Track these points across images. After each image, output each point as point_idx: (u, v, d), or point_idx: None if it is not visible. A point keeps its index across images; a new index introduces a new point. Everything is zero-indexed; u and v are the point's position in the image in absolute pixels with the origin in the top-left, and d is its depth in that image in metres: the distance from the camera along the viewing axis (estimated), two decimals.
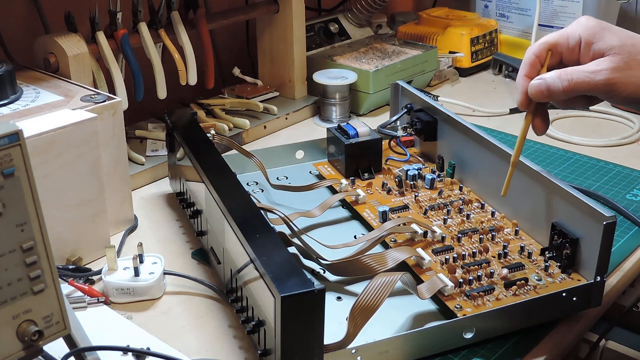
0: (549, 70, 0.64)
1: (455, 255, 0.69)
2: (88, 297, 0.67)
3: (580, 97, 0.65)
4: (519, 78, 0.65)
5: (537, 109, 0.66)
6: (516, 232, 0.74)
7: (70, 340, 0.51)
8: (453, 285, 0.64)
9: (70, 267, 0.71)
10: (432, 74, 1.23)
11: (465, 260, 0.69)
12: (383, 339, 0.58)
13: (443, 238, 0.73)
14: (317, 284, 0.52)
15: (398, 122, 0.91)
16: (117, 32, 0.91)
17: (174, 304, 0.68)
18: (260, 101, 1.09)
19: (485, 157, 0.78)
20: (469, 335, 0.61)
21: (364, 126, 0.87)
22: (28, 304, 0.47)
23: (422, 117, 0.88)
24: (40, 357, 0.50)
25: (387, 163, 0.89)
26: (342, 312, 0.64)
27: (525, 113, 0.66)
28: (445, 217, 0.76)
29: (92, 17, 0.89)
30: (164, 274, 0.69)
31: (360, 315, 0.57)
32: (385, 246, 0.73)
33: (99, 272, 0.69)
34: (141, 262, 0.69)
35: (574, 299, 0.64)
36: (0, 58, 0.87)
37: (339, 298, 0.67)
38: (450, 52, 1.30)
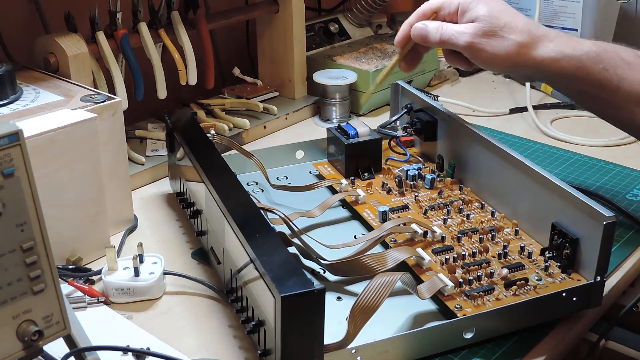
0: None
1: (455, 255, 0.69)
2: (88, 297, 0.67)
3: (461, 56, 0.74)
4: (406, 22, 0.76)
5: (410, 51, 0.77)
6: (516, 232, 0.74)
7: (70, 340, 0.51)
8: (453, 285, 0.64)
9: (70, 267, 0.71)
10: (432, 74, 1.23)
11: (465, 260, 0.69)
12: (383, 339, 0.58)
13: (443, 238, 0.73)
14: (317, 284, 0.52)
15: (398, 122, 0.91)
16: (117, 32, 0.91)
17: (174, 304, 0.68)
18: (260, 101, 1.09)
19: (485, 157, 0.78)
20: (469, 335, 0.61)
21: (364, 126, 0.87)
22: (28, 304, 0.47)
23: (422, 117, 0.88)
24: (40, 357, 0.50)
25: (387, 163, 0.89)
26: (342, 312, 0.64)
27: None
28: (445, 217, 0.76)
29: (92, 17, 0.89)
30: (164, 274, 0.69)
31: (360, 315, 0.57)
32: (385, 246, 0.73)
33: (99, 272, 0.69)
34: (141, 262, 0.69)
35: (574, 299, 0.64)
36: (0, 58, 0.87)
37: (339, 298, 0.67)
38: None
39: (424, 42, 0.74)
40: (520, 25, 0.69)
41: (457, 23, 0.73)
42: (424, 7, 0.76)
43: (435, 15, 0.75)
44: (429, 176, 0.83)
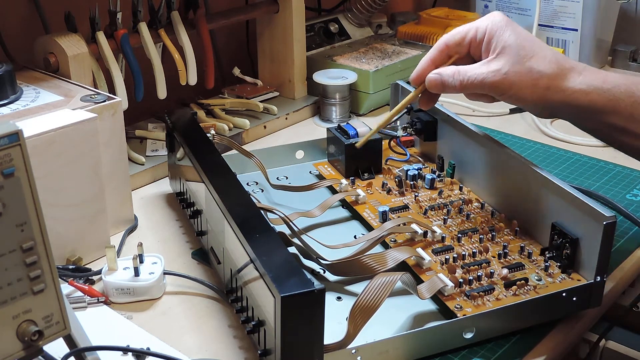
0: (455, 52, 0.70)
1: (455, 255, 0.69)
2: (88, 297, 0.67)
3: (482, 94, 0.70)
4: (424, 58, 0.71)
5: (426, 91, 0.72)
6: (516, 232, 0.73)
7: (70, 340, 0.51)
8: (453, 285, 0.64)
9: (70, 267, 0.71)
10: None
11: (465, 260, 0.69)
12: (383, 339, 0.58)
13: (443, 238, 0.73)
14: (317, 284, 0.52)
15: (398, 122, 0.91)
16: (117, 32, 0.91)
17: (174, 304, 0.68)
18: (260, 101, 1.09)
19: (485, 157, 0.78)
20: (469, 335, 0.61)
21: (364, 126, 0.87)
22: (28, 304, 0.47)
23: (422, 117, 0.88)
24: (40, 357, 0.50)
25: (387, 163, 0.89)
26: (342, 312, 0.64)
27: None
28: (445, 217, 0.76)
29: (92, 17, 0.89)
30: (164, 274, 0.69)
31: (360, 315, 0.57)
32: (385, 246, 0.73)
33: (99, 272, 0.69)
34: (141, 262, 0.69)
35: (574, 299, 0.64)
36: (0, 58, 0.87)
37: (339, 298, 0.67)
38: None
39: (442, 92, 0.70)
40: (549, 57, 0.65)
41: (480, 53, 0.68)
42: (447, 38, 0.70)
43: (452, 59, 0.70)
44: (429, 176, 0.83)
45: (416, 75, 0.71)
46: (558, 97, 0.64)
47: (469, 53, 0.69)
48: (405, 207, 0.79)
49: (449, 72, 0.68)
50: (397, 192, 0.82)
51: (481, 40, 0.67)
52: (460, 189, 0.83)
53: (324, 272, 0.70)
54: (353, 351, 0.57)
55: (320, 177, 0.89)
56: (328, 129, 0.91)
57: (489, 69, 0.65)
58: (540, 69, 0.64)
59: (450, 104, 1.14)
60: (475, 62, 0.68)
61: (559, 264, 0.67)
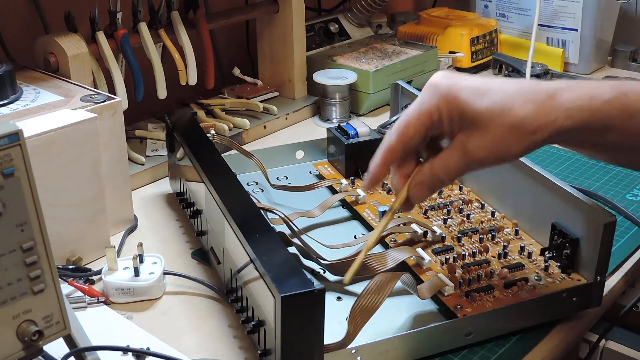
0: (410, 151, 0.58)
1: (455, 255, 0.69)
2: (88, 297, 0.67)
3: None
4: (376, 166, 0.58)
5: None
6: (516, 232, 0.73)
7: (70, 340, 0.51)
8: (453, 285, 0.64)
9: (70, 267, 0.71)
10: (432, 74, 1.23)
11: (465, 260, 0.69)
12: (383, 339, 0.58)
13: (443, 238, 0.73)
14: (317, 284, 0.52)
15: None
16: (117, 32, 0.91)
17: (174, 304, 0.68)
18: (260, 101, 1.09)
19: None
20: (469, 336, 0.61)
21: (364, 126, 0.87)
22: (28, 304, 0.47)
23: None
24: (40, 357, 0.50)
25: None
26: (342, 312, 0.64)
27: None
28: (445, 217, 0.76)
29: (92, 17, 0.89)
30: (164, 274, 0.69)
31: (360, 315, 0.57)
32: (385, 246, 0.73)
33: (99, 272, 0.69)
34: (141, 262, 0.69)
35: (574, 299, 0.64)
36: (0, 58, 0.87)
37: (339, 298, 0.67)
38: (450, 52, 1.30)
39: (430, 195, 0.60)
40: (518, 96, 0.55)
41: (440, 133, 0.57)
42: (396, 145, 0.57)
43: (410, 151, 0.58)
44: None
45: (371, 183, 0.60)
46: (547, 133, 0.55)
47: (432, 137, 0.59)
48: None
49: (427, 176, 0.57)
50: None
51: (439, 123, 0.56)
52: (460, 189, 0.83)
53: (324, 272, 0.70)
54: (353, 351, 0.57)
55: (320, 177, 0.89)
56: (328, 129, 0.91)
57: (465, 150, 0.55)
58: (519, 116, 0.54)
59: None
60: (437, 140, 0.59)
61: (559, 264, 0.67)
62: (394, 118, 0.91)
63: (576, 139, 0.58)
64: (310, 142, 0.94)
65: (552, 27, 1.32)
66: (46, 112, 0.73)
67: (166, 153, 0.89)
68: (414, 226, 0.73)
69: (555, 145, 1.00)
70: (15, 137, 0.44)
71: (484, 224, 0.75)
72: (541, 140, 0.55)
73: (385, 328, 0.62)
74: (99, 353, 0.53)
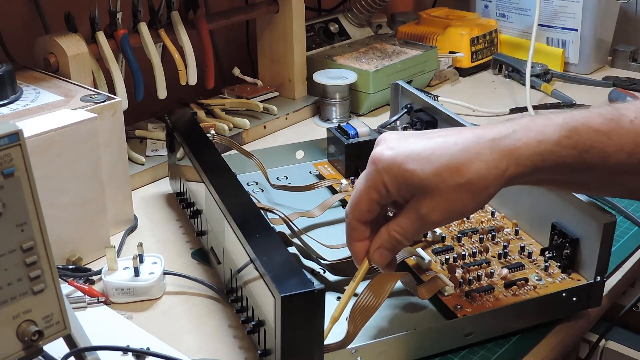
0: (372, 222, 0.59)
1: (455, 255, 0.69)
2: (88, 297, 0.67)
3: None
4: (353, 247, 0.60)
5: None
6: (516, 232, 0.74)
7: (70, 340, 0.51)
8: (453, 285, 0.64)
9: (70, 267, 0.71)
10: (432, 74, 1.24)
11: (465, 260, 0.69)
12: (383, 339, 0.58)
13: (443, 238, 0.73)
14: (317, 284, 0.52)
15: (398, 122, 0.91)
16: (117, 32, 0.91)
17: (174, 304, 0.68)
18: (260, 101, 1.09)
19: None
20: (469, 335, 0.61)
21: (364, 126, 0.87)
22: (28, 304, 0.47)
23: (422, 117, 0.88)
24: (40, 357, 0.50)
25: None
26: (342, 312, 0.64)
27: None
28: None
29: (92, 17, 0.89)
30: (164, 274, 0.69)
31: (360, 315, 0.57)
32: None
33: (99, 272, 0.69)
34: (141, 262, 0.69)
35: (574, 299, 0.64)
36: (0, 58, 0.87)
37: (339, 298, 0.67)
38: (450, 52, 1.30)
39: (393, 256, 0.60)
40: (463, 155, 0.54)
41: (400, 203, 0.58)
42: (355, 224, 0.59)
43: (365, 262, 0.59)
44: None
45: (361, 264, 0.60)
46: (500, 185, 0.55)
47: (384, 207, 0.59)
48: None
49: (385, 238, 0.58)
50: None
51: (388, 196, 0.57)
52: None
53: (324, 272, 0.70)
54: (353, 351, 0.57)
55: (320, 177, 0.89)
56: (328, 129, 0.91)
57: (419, 213, 0.55)
58: (468, 177, 0.53)
59: (450, 104, 1.14)
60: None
61: (559, 264, 0.67)
62: (394, 118, 0.91)
63: (533, 180, 0.57)
64: (310, 142, 0.94)
65: (552, 27, 1.32)
66: (46, 112, 0.73)
67: (166, 153, 0.89)
68: None
69: None
70: (15, 137, 0.44)
71: (484, 224, 0.75)
72: (495, 192, 0.55)
73: (385, 328, 0.62)
74: (99, 353, 0.53)
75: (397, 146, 0.56)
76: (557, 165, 0.54)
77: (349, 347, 0.56)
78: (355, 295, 0.58)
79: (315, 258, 0.70)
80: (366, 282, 0.59)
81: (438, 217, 0.55)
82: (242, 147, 0.90)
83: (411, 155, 0.55)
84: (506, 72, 1.30)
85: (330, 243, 0.73)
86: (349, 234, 0.60)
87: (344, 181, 0.84)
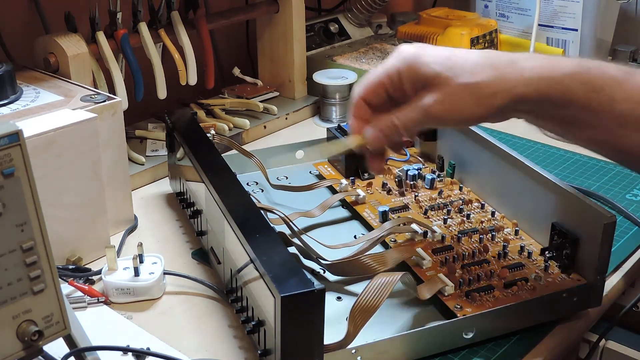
0: (377, 107, 0.61)
1: (455, 255, 0.69)
2: (88, 297, 0.67)
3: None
4: (349, 120, 0.63)
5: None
6: (516, 232, 0.74)
7: (70, 340, 0.51)
8: (453, 285, 0.64)
9: (70, 267, 0.71)
10: None
11: (465, 260, 0.69)
12: (383, 339, 0.58)
13: (443, 238, 0.73)
14: (317, 284, 0.52)
15: None
16: (117, 32, 0.91)
17: (174, 304, 0.68)
18: (260, 101, 1.09)
19: (485, 157, 0.78)
20: (469, 335, 0.61)
21: None
22: (28, 304, 0.47)
23: None
24: (40, 357, 0.50)
25: (387, 163, 0.89)
26: (342, 312, 0.64)
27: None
28: (445, 217, 0.76)
29: (92, 17, 0.89)
30: (164, 274, 0.69)
31: (360, 315, 0.57)
32: (385, 246, 0.73)
33: (99, 272, 0.69)
34: (141, 262, 0.69)
35: (574, 299, 0.64)
36: (0, 58, 0.87)
37: (339, 298, 0.67)
38: None
39: (387, 144, 0.63)
40: (479, 63, 0.57)
41: (404, 93, 0.60)
42: (360, 91, 0.62)
43: (373, 104, 0.61)
44: (429, 176, 0.83)
45: (354, 132, 0.63)
46: (507, 99, 0.56)
47: (392, 99, 0.61)
48: (405, 207, 0.79)
49: (385, 122, 0.60)
50: (397, 192, 0.82)
51: (399, 83, 0.59)
52: (460, 189, 0.83)
53: (324, 272, 0.70)
54: (353, 351, 0.57)
55: (320, 177, 0.89)
56: (328, 129, 0.91)
57: (423, 103, 0.58)
58: (477, 79, 0.56)
59: None
60: (401, 104, 0.61)
61: (558, 264, 0.67)
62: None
63: (537, 110, 0.58)
64: (310, 142, 0.94)
65: (552, 27, 1.32)
66: (46, 112, 0.73)
67: (166, 153, 0.90)
68: (414, 226, 0.73)
69: (549, 143, 1.01)
70: (15, 137, 0.44)
71: (484, 224, 0.75)
72: (499, 105, 0.56)
73: (385, 328, 0.62)
74: (99, 353, 0.53)
75: (420, 46, 0.59)
76: (565, 97, 0.56)
77: (349, 347, 0.57)
78: (355, 295, 0.58)
79: (315, 258, 0.70)
80: (366, 282, 0.59)
81: (440, 111, 0.57)
82: (242, 147, 0.90)
83: (432, 52, 0.58)
84: None
85: (330, 243, 0.73)
86: (352, 110, 0.62)
87: (344, 181, 0.84)
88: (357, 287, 0.68)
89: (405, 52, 0.59)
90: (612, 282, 0.71)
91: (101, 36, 0.89)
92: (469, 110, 0.57)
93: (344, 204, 0.83)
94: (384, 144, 0.62)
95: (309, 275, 0.53)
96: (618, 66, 0.57)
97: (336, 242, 0.73)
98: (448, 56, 0.58)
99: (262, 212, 0.64)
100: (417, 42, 0.62)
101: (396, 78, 0.59)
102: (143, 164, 0.92)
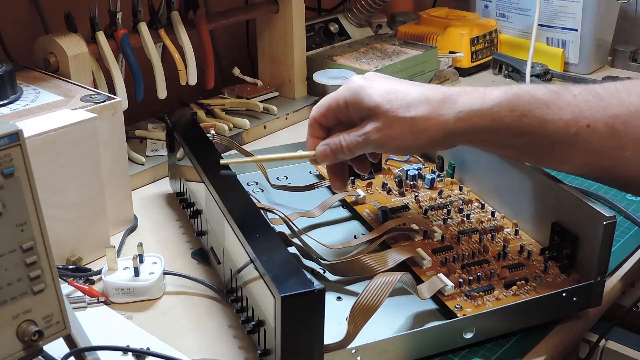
0: (330, 128, 0.68)
1: (455, 255, 0.69)
2: (88, 297, 0.67)
3: (361, 159, 0.70)
4: (307, 139, 0.69)
5: (332, 168, 0.71)
6: (516, 232, 0.74)
7: (70, 340, 0.51)
8: (453, 285, 0.64)
9: (70, 267, 0.71)
10: (432, 74, 1.24)
11: (465, 260, 0.69)
12: (383, 339, 0.58)
13: (443, 238, 0.73)
14: (317, 284, 0.52)
15: None
16: (117, 32, 0.91)
17: (174, 304, 0.68)
18: (260, 101, 1.09)
19: (485, 157, 0.78)
20: (469, 335, 0.61)
21: None
22: (28, 304, 0.47)
23: None
24: (40, 357, 0.50)
25: (387, 163, 0.89)
26: (342, 312, 0.64)
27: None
28: (445, 217, 0.76)
29: (92, 17, 0.89)
30: (164, 274, 0.69)
31: (360, 315, 0.57)
32: (385, 246, 0.73)
33: (99, 272, 0.69)
34: (141, 262, 0.69)
35: (574, 299, 0.64)
36: (0, 58, 0.87)
37: (339, 298, 0.67)
38: (450, 52, 1.30)
39: (334, 160, 0.67)
40: (417, 98, 0.61)
41: (351, 119, 0.65)
42: (314, 113, 0.68)
43: (327, 125, 0.68)
44: (429, 176, 0.83)
45: (309, 148, 0.69)
46: (440, 133, 0.61)
47: (343, 122, 0.67)
48: (405, 207, 0.79)
49: (334, 141, 0.66)
50: (397, 192, 0.82)
51: (346, 110, 0.65)
52: (460, 189, 0.83)
53: (324, 272, 0.70)
54: (353, 351, 0.57)
55: (320, 177, 0.89)
56: None
57: (364, 130, 0.63)
58: (412, 114, 0.61)
59: None
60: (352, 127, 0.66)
61: (559, 264, 0.67)
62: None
63: (475, 140, 0.63)
64: None
65: (552, 27, 1.32)
66: (46, 112, 0.73)
67: (166, 153, 0.90)
68: (414, 226, 0.73)
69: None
70: (15, 137, 0.44)
71: (484, 224, 0.75)
72: (434, 138, 0.61)
73: (385, 328, 0.62)
74: (99, 353, 0.53)
75: (369, 78, 0.65)
76: (496, 125, 0.60)
77: (349, 347, 0.56)
78: (355, 295, 0.58)
79: (315, 258, 0.70)
80: (366, 282, 0.59)
81: (378, 138, 0.62)
82: (242, 147, 0.90)
83: (376, 85, 0.63)
84: (506, 72, 1.30)
85: (330, 243, 0.73)
86: (308, 129, 0.69)
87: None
88: (357, 287, 0.68)
89: (353, 83, 0.64)
90: (612, 282, 0.71)
91: (101, 36, 0.89)
92: (405, 141, 0.62)
93: (344, 204, 0.83)
94: (330, 159, 0.67)
95: (309, 275, 0.53)
96: (549, 87, 0.60)
97: (336, 242, 0.73)
98: (389, 90, 0.62)
99: (262, 212, 0.64)
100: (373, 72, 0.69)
101: (343, 105, 0.65)
102: (143, 164, 0.92)
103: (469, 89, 0.61)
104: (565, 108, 0.59)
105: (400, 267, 0.68)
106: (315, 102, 1.11)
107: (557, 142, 0.59)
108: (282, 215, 0.75)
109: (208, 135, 0.81)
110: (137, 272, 0.68)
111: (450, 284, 0.64)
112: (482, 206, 0.79)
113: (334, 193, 0.84)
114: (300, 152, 0.71)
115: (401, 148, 0.63)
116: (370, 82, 0.64)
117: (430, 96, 0.61)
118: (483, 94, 0.60)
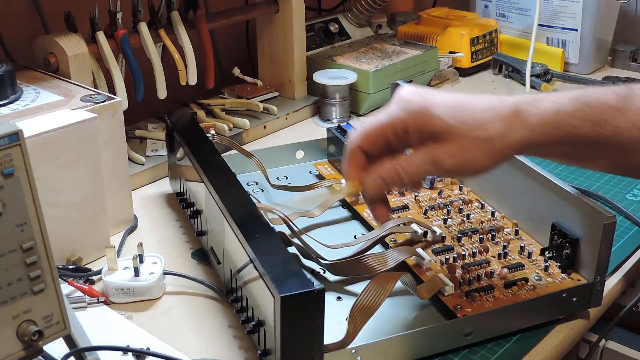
0: (373, 155, 0.59)
1: (455, 255, 0.69)
2: (88, 297, 0.67)
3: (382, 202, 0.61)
4: (345, 167, 0.60)
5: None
6: (516, 232, 0.74)
7: (70, 340, 0.51)
8: (453, 285, 0.64)
9: (70, 267, 0.71)
10: (432, 74, 1.24)
11: (465, 260, 0.69)
12: (383, 339, 0.58)
13: (443, 238, 0.73)
14: (317, 284, 0.52)
15: None
16: (117, 32, 0.91)
17: (174, 304, 0.68)
18: (260, 101, 1.09)
19: None
20: (469, 336, 0.61)
21: None
22: (28, 304, 0.47)
23: None
24: (40, 357, 0.50)
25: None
26: (342, 312, 0.64)
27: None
28: (445, 217, 0.76)
29: (92, 17, 0.89)
30: (164, 274, 0.69)
31: (360, 315, 0.57)
32: (385, 246, 0.73)
33: (99, 272, 0.69)
34: (141, 262, 0.69)
35: (574, 299, 0.64)
36: (0, 58, 0.87)
37: (339, 298, 0.67)
38: (450, 52, 1.30)
39: (387, 191, 0.61)
40: (488, 113, 0.56)
41: (406, 143, 0.58)
42: (356, 141, 0.58)
43: (372, 153, 0.59)
44: (429, 176, 0.83)
45: (351, 179, 0.60)
46: (516, 151, 0.57)
47: (390, 148, 0.58)
48: (405, 207, 0.79)
49: (387, 170, 0.57)
50: (397, 192, 0.82)
51: (403, 135, 0.57)
52: (460, 189, 0.83)
53: (324, 272, 0.70)
54: (353, 351, 0.57)
55: (320, 177, 0.89)
56: (328, 129, 0.91)
57: (433, 156, 0.56)
58: (489, 134, 0.55)
59: None
60: (396, 152, 0.59)
61: (559, 264, 0.67)
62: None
63: (545, 151, 0.59)
64: (310, 142, 0.94)
65: (552, 27, 1.32)
66: (46, 112, 0.73)
67: (166, 153, 0.90)
68: (414, 226, 0.73)
69: None
70: (15, 137, 0.44)
71: (484, 224, 0.75)
72: (509, 155, 0.57)
73: (385, 328, 0.62)
74: (99, 353, 0.53)
75: (425, 94, 0.57)
76: (572, 136, 0.56)
77: (349, 347, 0.56)
78: (355, 295, 0.58)
79: (315, 258, 0.70)
80: (366, 282, 0.59)
81: (451, 163, 0.56)
82: (242, 147, 0.90)
83: (439, 103, 0.56)
84: (506, 72, 1.30)
85: (330, 243, 0.73)
86: (348, 157, 0.59)
87: (344, 181, 0.84)
88: (357, 287, 0.68)
89: (413, 103, 0.56)
90: (612, 282, 0.71)
91: (101, 36, 0.89)
92: (482, 163, 0.56)
93: (344, 204, 0.83)
94: (383, 191, 0.59)
95: (308, 275, 0.53)
96: (614, 91, 0.57)
97: (336, 242, 0.73)
98: (456, 107, 0.56)
99: (262, 212, 0.64)
100: (416, 85, 0.60)
101: (401, 130, 0.57)
102: (143, 164, 0.92)
103: (536, 97, 0.57)
104: (637, 114, 0.56)
105: (400, 267, 0.68)
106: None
107: (632, 150, 0.56)
108: (282, 215, 0.75)
109: (208, 135, 0.81)
110: (137, 272, 0.68)
111: (450, 284, 0.64)
112: (482, 206, 0.79)
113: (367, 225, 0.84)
114: (342, 187, 0.61)
115: (476, 171, 0.57)
116: (429, 99, 0.57)
117: (500, 110, 0.56)
118: (554, 103, 0.56)
